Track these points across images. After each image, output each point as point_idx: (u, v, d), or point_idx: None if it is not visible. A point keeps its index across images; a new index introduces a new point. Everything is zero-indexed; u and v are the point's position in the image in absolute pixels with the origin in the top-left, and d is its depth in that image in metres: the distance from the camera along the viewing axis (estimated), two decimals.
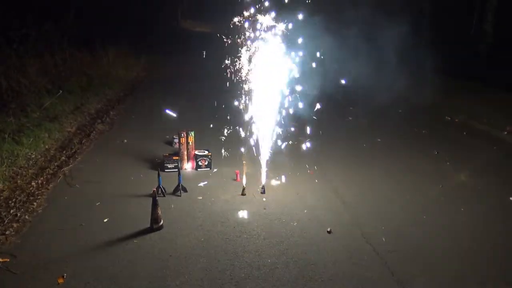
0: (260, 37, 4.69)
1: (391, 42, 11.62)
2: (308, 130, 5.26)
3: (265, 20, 4.61)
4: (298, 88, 4.89)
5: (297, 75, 4.87)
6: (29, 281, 3.29)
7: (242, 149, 5.26)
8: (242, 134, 5.14)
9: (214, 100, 6.77)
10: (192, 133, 5.61)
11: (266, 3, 4.57)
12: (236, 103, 5.00)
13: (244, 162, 5.03)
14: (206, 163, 5.58)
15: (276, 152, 5.19)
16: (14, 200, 4.52)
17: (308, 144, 5.41)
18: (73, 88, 9.01)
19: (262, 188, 4.92)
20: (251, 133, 5.04)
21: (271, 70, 4.71)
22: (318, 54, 5.19)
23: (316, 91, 5.41)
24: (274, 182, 5.15)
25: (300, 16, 4.64)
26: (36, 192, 4.75)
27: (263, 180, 4.99)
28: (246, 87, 4.87)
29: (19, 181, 4.98)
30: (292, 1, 4.66)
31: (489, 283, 3.44)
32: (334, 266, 3.56)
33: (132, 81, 11.69)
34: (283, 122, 5.06)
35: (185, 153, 5.59)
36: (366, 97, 9.74)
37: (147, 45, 15.79)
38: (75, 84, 9.26)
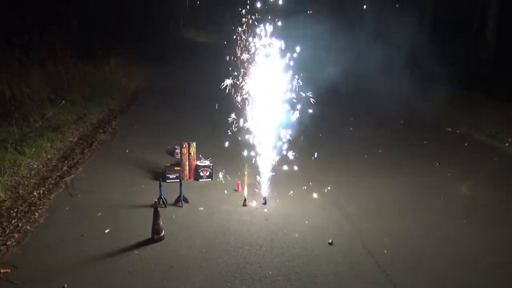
0: (258, 51, 4.75)
1: (393, 53, 11.74)
2: (310, 142, 5.28)
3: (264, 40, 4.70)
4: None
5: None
6: None
7: (244, 160, 5.27)
8: (244, 143, 5.15)
9: (213, 110, 6.75)
10: (194, 143, 5.63)
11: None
12: (233, 116, 5.03)
13: (245, 173, 5.04)
14: (208, 173, 5.59)
15: (277, 164, 5.19)
16: (15, 210, 4.53)
17: (311, 155, 5.42)
18: (75, 98, 9.06)
19: (263, 199, 4.92)
20: (253, 144, 5.05)
21: (271, 85, 4.76)
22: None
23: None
24: (275, 193, 5.14)
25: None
26: (38, 202, 4.76)
27: (265, 191, 5.00)
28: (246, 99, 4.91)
29: (21, 191, 5.00)
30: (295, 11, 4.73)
31: None
32: (336, 278, 3.54)
33: (134, 91, 11.74)
34: (284, 134, 5.06)
35: (187, 163, 5.60)
36: (367, 106, 9.79)
37: (150, 54, 15.90)
38: (77, 94, 9.32)
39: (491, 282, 3.60)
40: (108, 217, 4.49)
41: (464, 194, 5.42)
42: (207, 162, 5.63)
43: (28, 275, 3.47)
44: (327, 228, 4.36)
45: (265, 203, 4.89)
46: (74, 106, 8.66)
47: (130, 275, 3.50)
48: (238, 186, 5.26)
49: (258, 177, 5.13)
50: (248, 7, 4.72)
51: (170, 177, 5.44)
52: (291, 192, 5.19)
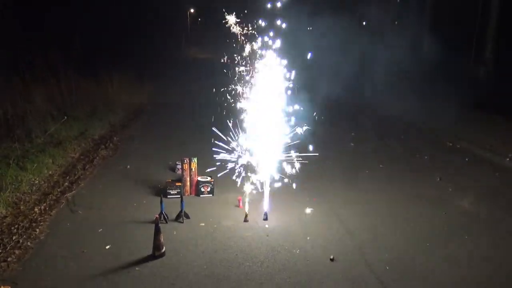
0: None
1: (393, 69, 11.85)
2: (311, 156, 5.29)
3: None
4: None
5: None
6: None
7: (244, 175, 5.28)
8: (245, 159, 5.16)
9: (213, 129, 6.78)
10: (195, 159, 5.64)
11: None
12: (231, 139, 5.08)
13: (246, 188, 5.04)
14: (209, 189, 5.59)
15: (279, 179, 5.19)
16: (16, 226, 4.53)
17: (312, 171, 5.43)
18: (77, 114, 9.13)
19: (264, 214, 4.91)
20: (254, 159, 5.07)
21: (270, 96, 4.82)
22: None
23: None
24: (276, 209, 5.13)
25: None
26: (39, 218, 4.75)
27: (266, 206, 4.99)
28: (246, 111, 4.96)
29: (22, 207, 5.00)
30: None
31: None
32: None
33: (135, 108, 11.82)
34: (285, 149, 5.08)
35: (188, 179, 5.61)
36: (367, 120, 9.83)
37: (152, 72, 16.04)
38: (79, 110, 9.38)
39: None
40: (109, 233, 4.48)
41: (466, 210, 5.40)
42: (208, 178, 5.65)
43: None
44: (328, 244, 4.35)
45: (266, 219, 4.87)
46: (76, 122, 8.71)
47: None
48: (239, 201, 5.25)
49: (259, 192, 5.13)
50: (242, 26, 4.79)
51: (171, 192, 5.44)
52: (292, 207, 5.17)
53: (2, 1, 9.39)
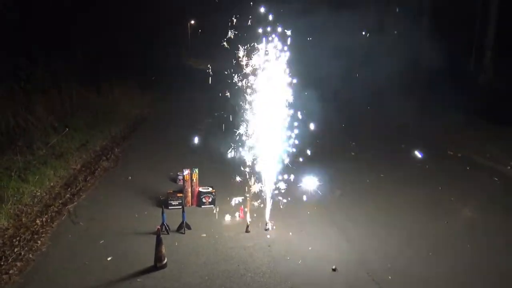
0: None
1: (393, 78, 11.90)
2: (312, 167, 5.31)
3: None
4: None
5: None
6: None
7: (247, 187, 5.28)
8: (247, 170, 5.17)
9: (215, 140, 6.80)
10: (196, 170, 5.65)
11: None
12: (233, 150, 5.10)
13: (248, 199, 5.05)
14: (210, 200, 5.59)
15: (280, 190, 5.19)
16: (18, 238, 4.53)
17: (313, 182, 5.43)
18: (79, 125, 9.15)
19: (266, 225, 4.91)
20: (255, 171, 5.07)
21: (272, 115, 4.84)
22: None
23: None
24: (278, 219, 5.13)
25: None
26: (41, 230, 4.75)
27: (267, 217, 4.99)
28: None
29: (23, 219, 5.01)
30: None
31: None
32: None
33: (136, 118, 11.85)
34: (286, 161, 5.09)
35: (189, 190, 5.61)
36: (368, 131, 9.85)
37: (152, 82, 16.12)
38: (81, 122, 9.41)
39: None
40: (110, 244, 4.47)
41: (468, 219, 5.39)
42: (209, 189, 5.65)
43: None
44: (330, 254, 4.34)
45: (267, 229, 4.87)
46: (78, 133, 8.73)
47: None
48: (240, 212, 5.25)
49: (260, 203, 5.13)
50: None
51: (173, 203, 5.44)
52: (294, 218, 5.17)
53: (3, 12, 9.44)
